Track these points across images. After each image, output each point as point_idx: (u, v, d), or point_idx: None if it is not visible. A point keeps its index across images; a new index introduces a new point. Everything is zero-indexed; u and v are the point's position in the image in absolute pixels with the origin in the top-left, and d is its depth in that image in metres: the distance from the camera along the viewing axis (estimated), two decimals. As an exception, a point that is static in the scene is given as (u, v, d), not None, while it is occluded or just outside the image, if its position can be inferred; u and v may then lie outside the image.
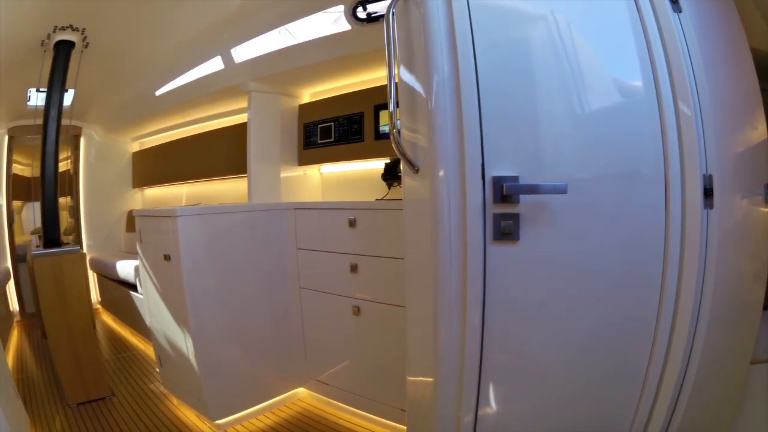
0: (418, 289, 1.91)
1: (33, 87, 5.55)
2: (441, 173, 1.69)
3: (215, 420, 3.47)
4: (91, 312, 4.29)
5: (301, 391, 3.90)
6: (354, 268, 3.22)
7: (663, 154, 1.81)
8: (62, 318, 4.04)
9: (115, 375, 4.77)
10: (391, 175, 3.48)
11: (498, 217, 1.69)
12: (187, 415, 3.78)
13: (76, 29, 4.14)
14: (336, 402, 3.61)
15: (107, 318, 7.09)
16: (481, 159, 1.67)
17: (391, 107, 1.82)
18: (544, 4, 1.81)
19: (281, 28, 3.91)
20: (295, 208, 3.67)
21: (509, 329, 1.78)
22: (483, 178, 1.68)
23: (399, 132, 1.82)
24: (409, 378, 2.06)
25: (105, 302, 7.33)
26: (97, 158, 7.51)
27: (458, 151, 1.68)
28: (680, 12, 1.91)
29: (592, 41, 1.87)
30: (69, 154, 7.51)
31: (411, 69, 1.85)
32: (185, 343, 3.45)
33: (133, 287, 5.53)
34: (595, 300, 1.82)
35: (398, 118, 1.88)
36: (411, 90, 1.86)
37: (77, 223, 7.44)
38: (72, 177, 7.42)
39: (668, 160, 1.81)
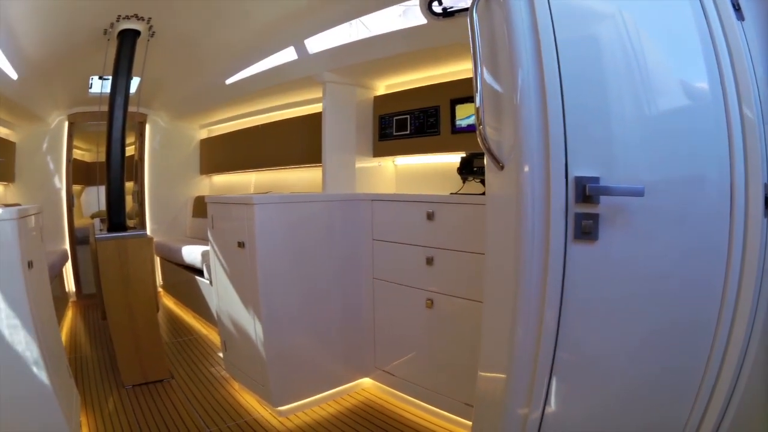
0: (498, 284, 1.93)
1: (94, 75, 5.78)
2: (526, 170, 1.73)
3: (277, 406, 3.55)
4: (156, 295, 4.43)
5: (365, 381, 3.98)
6: (430, 261, 3.27)
7: (729, 159, 1.83)
8: (124, 300, 4.19)
9: (175, 358, 4.91)
10: (467, 169, 3.50)
11: (579, 217, 1.74)
12: (249, 400, 3.88)
13: (141, 18, 4.27)
14: (400, 393, 3.68)
15: (168, 301, 7.33)
16: (564, 158, 1.71)
17: (478, 102, 1.83)
18: (616, 4, 1.85)
19: (354, 21, 3.98)
20: (373, 200, 3.73)
21: (581, 329, 1.80)
22: (566, 177, 1.72)
23: (485, 128, 1.84)
24: (481, 373, 2.06)
25: (167, 286, 7.58)
26: (162, 144, 7.78)
27: (543, 149, 1.72)
28: (743, 20, 1.93)
29: (660, 45, 1.90)
30: (134, 140, 7.77)
31: (495, 67, 1.89)
32: (254, 329, 3.55)
33: (198, 272, 5.67)
34: (660, 303, 1.85)
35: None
36: (495, 88, 1.90)
37: (141, 208, 7.72)
38: (137, 162, 7.68)
39: (734, 166, 1.82)
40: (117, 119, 4.33)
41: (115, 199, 4.40)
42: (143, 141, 7.59)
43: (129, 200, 6.85)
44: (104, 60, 4.61)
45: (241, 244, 3.50)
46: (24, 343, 2.79)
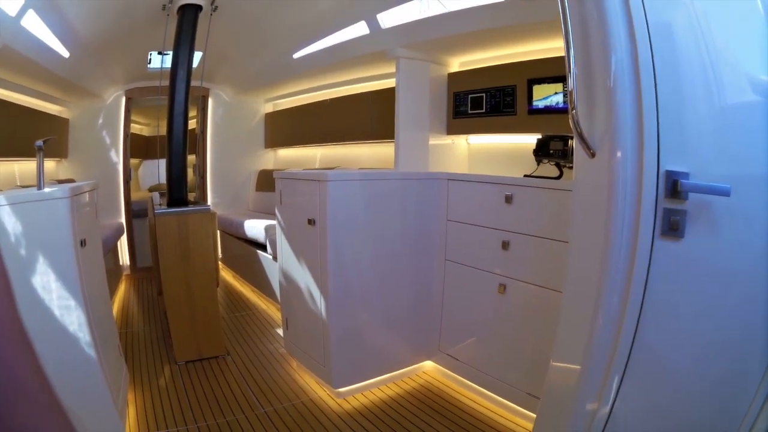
0: (581, 275, 1.94)
1: (152, 50, 5.92)
2: (620, 159, 1.73)
3: (337, 388, 3.64)
4: (217, 271, 4.52)
5: (427, 363, 4.05)
6: (505, 245, 3.28)
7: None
8: (183, 276, 4.30)
9: (232, 334, 5.03)
10: (542, 151, 3.49)
11: (668, 212, 1.74)
12: (306, 380, 3.96)
13: None
14: (462, 378, 3.73)
15: (227, 275, 7.51)
16: (657, 149, 1.69)
17: (571, 85, 1.80)
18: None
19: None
20: (449, 179, 3.76)
21: (658, 326, 1.80)
22: (657, 170, 1.71)
23: (578, 111, 1.83)
24: (553, 363, 2.07)
25: (226, 259, 7.77)
26: (225, 118, 7.96)
27: (637, 139, 1.71)
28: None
29: (753, 36, 1.86)
30: (196, 113, 7.96)
31: (586, 49, 1.86)
32: (320, 309, 3.63)
33: (261, 246, 5.80)
34: (732, 304, 1.84)
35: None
36: (586, 71, 1.87)
37: (203, 181, 7.93)
38: (199, 136, 7.89)
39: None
40: (179, 93, 4.45)
41: (176, 174, 4.52)
42: (206, 115, 7.78)
43: (189, 173, 7.01)
44: (164, 35, 4.74)
45: (311, 222, 3.57)
46: (76, 323, 2.90)
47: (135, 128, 8.06)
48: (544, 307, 3.02)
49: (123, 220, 7.50)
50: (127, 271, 7.68)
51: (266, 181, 7.47)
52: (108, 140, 7.40)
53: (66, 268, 2.84)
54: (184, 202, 4.48)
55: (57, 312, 2.85)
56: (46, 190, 2.91)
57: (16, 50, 3.94)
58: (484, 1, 3.51)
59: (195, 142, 7.86)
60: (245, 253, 6.47)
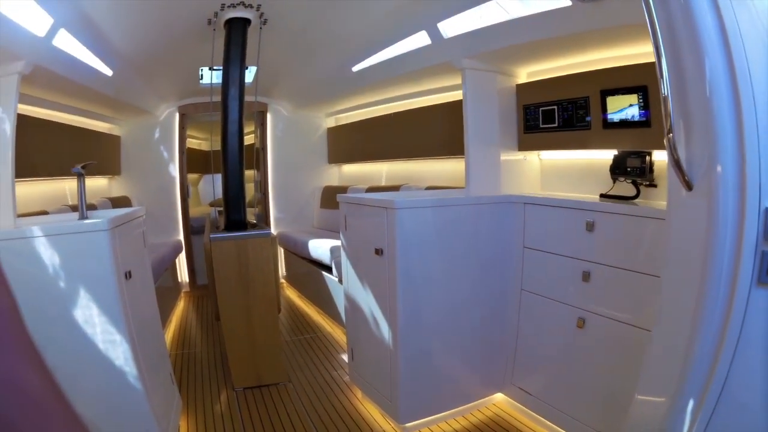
0: (674, 312, 1.84)
1: (202, 66, 5.91)
2: (721, 195, 1.58)
3: (403, 423, 3.54)
4: (278, 298, 4.45)
5: (497, 396, 3.92)
6: (586, 277, 3.12)
7: None
8: (242, 303, 4.25)
9: (294, 358, 4.99)
10: (619, 169, 3.32)
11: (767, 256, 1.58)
12: (371, 411, 3.89)
13: (249, 6, 4.21)
14: (532, 413, 3.59)
15: (291, 293, 7.54)
16: (758, 182, 1.56)
17: (664, 91, 1.66)
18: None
19: (491, 2, 3.78)
20: (526, 203, 3.62)
21: (751, 373, 1.68)
22: (759, 207, 1.56)
23: (675, 136, 1.68)
24: (639, 397, 2.00)
25: (290, 278, 7.79)
26: (286, 133, 7.96)
27: (738, 169, 1.56)
28: None
29: None
30: (254, 128, 8.01)
31: (675, 60, 1.69)
32: (387, 342, 3.54)
33: (326, 267, 5.72)
34: None
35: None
36: (677, 85, 1.70)
37: (264, 198, 7.94)
38: (259, 151, 7.91)
39: None
40: (232, 112, 4.37)
41: (233, 196, 4.43)
42: (264, 130, 7.79)
43: (250, 188, 6.97)
44: (211, 50, 4.66)
45: (378, 252, 3.48)
46: (122, 357, 2.92)
47: (193, 143, 8.16)
48: (624, 345, 2.85)
49: (181, 237, 7.60)
50: (186, 289, 7.79)
51: (331, 197, 7.38)
52: (163, 157, 7.52)
53: (109, 302, 2.86)
54: (243, 225, 4.41)
55: (102, 346, 2.88)
56: (87, 221, 2.94)
57: (51, 70, 3.94)
58: (549, 6, 3.32)
59: (255, 157, 7.90)
60: (310, 273, 6.43)
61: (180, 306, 7.12)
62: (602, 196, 3.43)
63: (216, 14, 4.22)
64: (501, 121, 4.26)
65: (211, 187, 5.19)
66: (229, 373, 4.39)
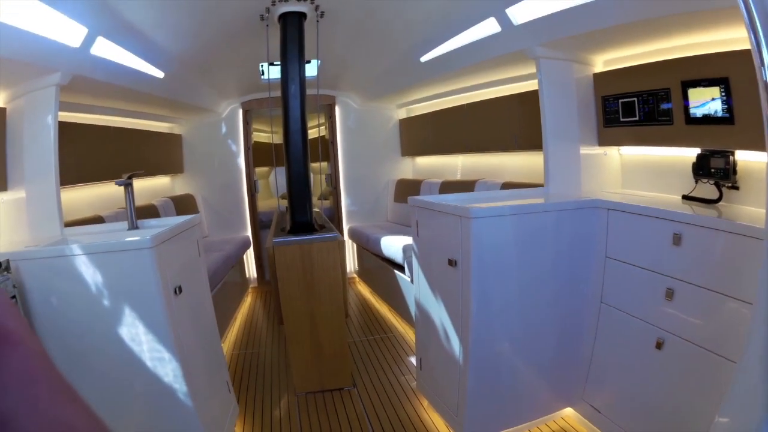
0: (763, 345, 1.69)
1: (261, 62, 5.85)
2: None
3: (467, 438, 3.42)
4: (345, 303, 4.38)
5: (567, 411, 3.73)
6: (669, 294, 2.84)
7: None
8: (306, 308, 4.18)
9: (361, 360, 4.92)
10: (703, 169, 3.10)
11: None
12: (436, 422, 3.78)
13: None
14: (599, 431, 3.41)
15: (363, 289, 7.50)
16: None
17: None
18: None
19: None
20: (609, 209, 3.32)
21: None
22: None
23: None
24: (720, 419, 1.91)
25: (362, 273, 7.74)
26: (357, 126, 7.88)
27: None
28: None
29: None
30: (323, 121, 7.95)
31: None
32: (458, 357, 3.39)
33: (398, 266, 5.61)
34: None
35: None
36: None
37: (336, 191, 7.89)
38: (328, 143, 7.85)
39: None
40: (294, 110, 4.23)
41: (298, 197, 4.32)
42: (333, 123, 7.73)
43: (321, 180, 6.93)
44: (266, 46, 4.57)
45: (452, 263, 3.31)
46: (171, 375, 2.89)
47: (261, 136, 8.13)
48: (702, 372, 2.63)
49: (249, 233, 7.65)
50: (253, 284, 7.86)
51: (404, 191, 7.31)
52: (228, 153, 7.60)
53: (156, 320, 2.83)
54: (309, 227, 4.31)
55: (149, 364, 2.87)
56: (129, 239, 2.93)
57: (93, 78, 3.97)
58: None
59: (319, 148, 7.81)
60: (382, 270, 6.35)
61: (247, 302, 7.19)
62: (685, 197, 3.24)
63: (268, 10, 4.12)
64: (580, 114, 4.07)
65: (283, 178, 5.16)
66: (292, 377, 4.35)
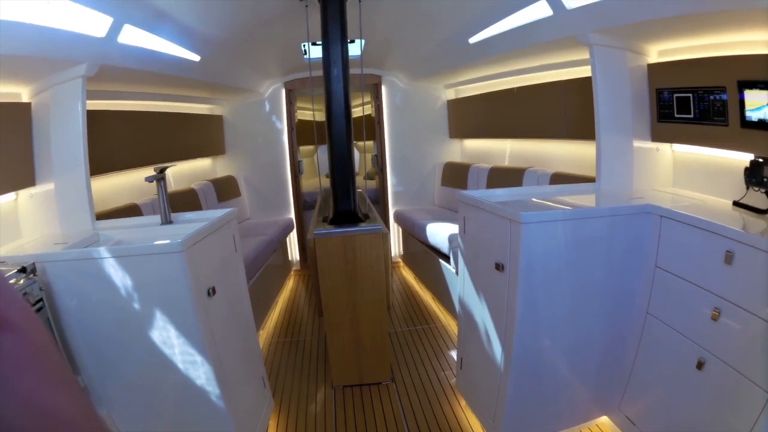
0: None
1: (302, 42, 5.75)
2: None
3: (504, 444, 3.39)
4: (387, 296, 4.35)
5: (603, 419, 3.66)
6: (716, 315, 2.68)
7: None
8: (347, 300, 4.15)
9: (401, 352, 4.90)
10: (755, 177, 2.93)
11: None
12: (473, 424, 3.75)
13: None
14: None
15: (407, 274, 7.46)
16: None
17: None
18: None
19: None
20: (662, 216, 3.13)
21: None
22: None
23: None
24: None
25: (407, 258, 7.69)
26: (404, 106, 7.75)
27: None
28: None
29: None
30: (369, 99, 7.93)
31: None
32: (499, 364, 3.34)
33: (444, 255, 5.52)
34: None
35: None
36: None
37: (382, 173, 7.82)
38: (374, 123, 7.77)
39: None
40: (336, 93, 4.11)
41: (342, 184, 4.23)
42: (380, 103, 7.61)
43: (367, 159, 6.86)
44: (306, 27, 4.48)
45: (499, 267, 3.23)
46: (203, 377, 2.91)
47: (305, 114, 8.09)
48: (739, 398, 2.51)
49: (292, 215, 7.65)
50: (296, 267, 7.89)
51: (452, 175, 7.25)
52: (271, 134, 7.59)
53: (188, 323, 2.82)
54: (352, 216, 4.24)
55: (181, 366, 2.88)
56: (161, 242, 2.96)
57: (123, 66, 4.02)
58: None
59: (372, 129, 7.80)
60: (427, 257, 6.27)
61: (289, 286, 7.23)
62: (735, 204, 3.08)
63: None
64: (634, 106, 3.93)
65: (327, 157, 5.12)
66: (330, 369, 4.36)
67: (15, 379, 0.56)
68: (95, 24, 3.49)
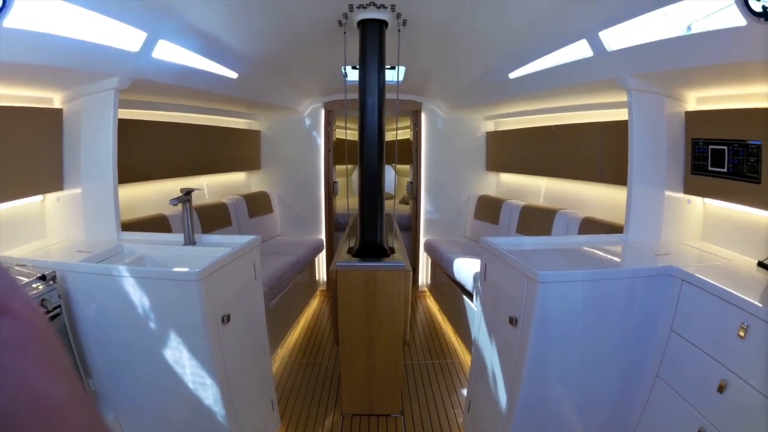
0: None
1: (339, 63, 5.68)
2: None
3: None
4: (404, 332, 4.40)
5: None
6: (722, 388, 2.60)
7: None
8: (364, 332, 4.15)
9: (414, 385, 4.88)
10: None
11: None
12: None
13: (383, 6, 3.89)
14: None
15: (432, 304, 7.40)
16: None
17: None
18: None
19: (663, 9, 3.30)
20: (684, 280, 3.05)
21: None
22: None
23: None
24: None
25: (433, 288, 7.61)
26: (443, 134, 7.70)
27: None
28: None
29: None
30: (404, 124, 8.02)
31: None
32: (503, 413, 3.32)
33: (469, 293, 5.45)
34: None
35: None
36: None
37: (416, 201, 7.76)
38: (412, 150, 7.75)
39: None
40: (370, 123, 4.08)
41: (369, 217, 4.21)
42: (419, 130, 7.59)
43: (403, 181, 6.83)
44: (344, 51, 4.45)
45: (513, 321, 3.21)
46: (211, 398, 3.01)
47: (342, 133, 8.09)
48: None
49: (323, 236, 7.66)
50: (322, 287, 7.86)
51: (485, 209, 7.18)
52: (307, 153, 7.62)
53: (200, 348, 2.94)
54: (378, 249, 4.23)
55: (191, 386, 3.01)
56: (179, 269, 3.03)
57: (156, 81, 4.10)
58: (734, 23, 2.82)
59: (409, 154, 7.81)
60: (452, 291, 6.19)
61: (313, 306, 7.22)
62: (760, 264, 3.01)
63: (345, 16, 4.01)
64: (668, 154, 3.87)
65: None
66: (341, 396, 4.38)
67: (9, 363, 0.55)
68: (129, 38, 3.58)
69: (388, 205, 5.65)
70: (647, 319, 3.18)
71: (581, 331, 3.11)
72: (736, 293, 2.62)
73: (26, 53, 2.97)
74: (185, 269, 2.88)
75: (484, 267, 3.73)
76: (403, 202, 8.91)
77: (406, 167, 8.61)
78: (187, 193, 3.64)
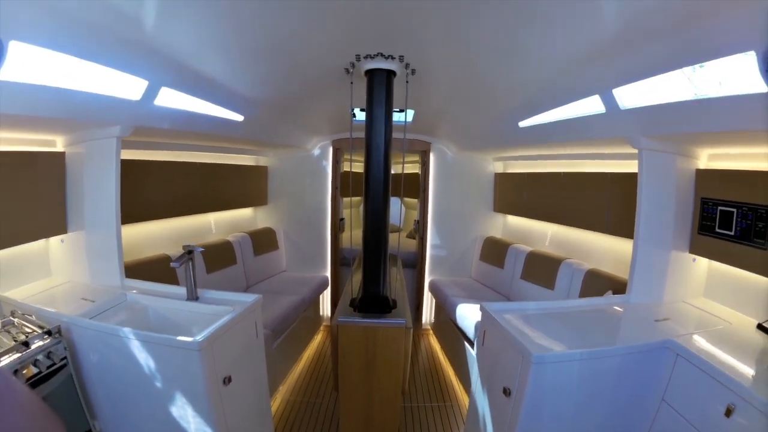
0: None
1: (347, 105, 5.69)
2: None
3: None
4: (403, 384, 4.34)
5: None
6: None
7: None
8: (364, 385, 4.15)
9: (413, 428, 4.91)
10: None
11: None
12: None
13: (391, 57, 3.84)
14: None
15: (435, 344, 7.37)
16: None
17: None
18: None
19: (680, 71, 3.26)
20: (678, 355, 3.09)
21: None
22: None
23: None
24: None
25: (437, 327, 7.57)
26: (451, 174, 7.69)
27: None
28: None
29: None
30: (416, 159, 7.98)
31: None
32: None
33: (470, 339, 5.44)
34: None
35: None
36: None
37: (422, 240, 7.75)
38: (420, 190, 7.77)
39: None
40: (375, 172, 4.01)
41: (372, 267, 4.16)
42: (427, 169, 7.61)
43: (411, 215, 6.79)
44: (351, 97, 4.43)
45: (506, 392, 3.25)
46: None
47: (354, 166, 8.11)
48: None
49: (328, 273, 7.66)
50: (326, 322, 7.82)
51: (491, 251, 7.15)
52: (315, 189, 7.64)
53: (202, 408, 3.04)
54: (379, 304, 4.18)
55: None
56: (182, 338, 3.03)
57: (157, 128, 4.17)
58: (748, 88, 2.80)
59: (416, 191, 7.84)
60: (454, 335, 6.16)
61: (316, 341, 7.20)
62: (759, 327, 3.07)
63: (353, 65, 3.97)
64: (676, 211, 3.90)
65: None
66: None
67: None
68: (130, 86, 3.60)
69: (393, 239, 5.60)
70: (641, 388, 3.20)
71: (573, 406, 3.13)
72: (726, 373, 2.66)
73: (27, 105, 3.03)
74: (188, 339, 2.97)
75: (482, 334, 3.75)
76: (410, 236, 8.93)
77: (414, 200, 8.62)
78: (189, 252, 3.72)
